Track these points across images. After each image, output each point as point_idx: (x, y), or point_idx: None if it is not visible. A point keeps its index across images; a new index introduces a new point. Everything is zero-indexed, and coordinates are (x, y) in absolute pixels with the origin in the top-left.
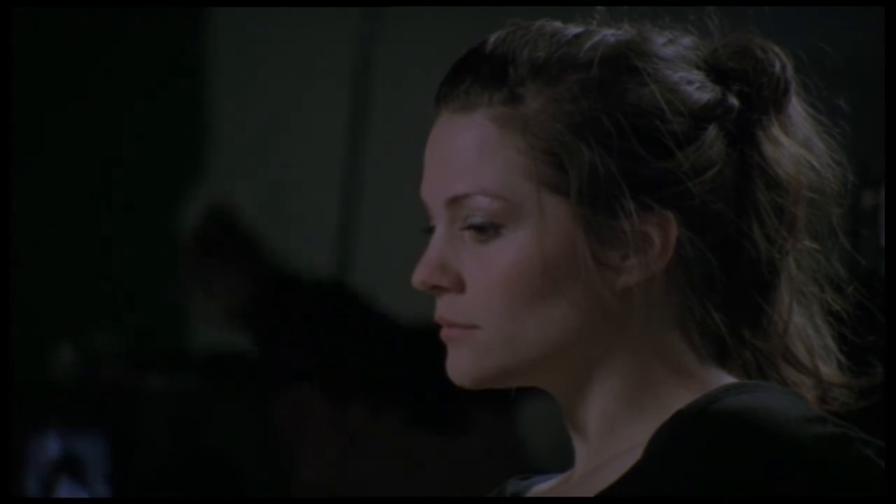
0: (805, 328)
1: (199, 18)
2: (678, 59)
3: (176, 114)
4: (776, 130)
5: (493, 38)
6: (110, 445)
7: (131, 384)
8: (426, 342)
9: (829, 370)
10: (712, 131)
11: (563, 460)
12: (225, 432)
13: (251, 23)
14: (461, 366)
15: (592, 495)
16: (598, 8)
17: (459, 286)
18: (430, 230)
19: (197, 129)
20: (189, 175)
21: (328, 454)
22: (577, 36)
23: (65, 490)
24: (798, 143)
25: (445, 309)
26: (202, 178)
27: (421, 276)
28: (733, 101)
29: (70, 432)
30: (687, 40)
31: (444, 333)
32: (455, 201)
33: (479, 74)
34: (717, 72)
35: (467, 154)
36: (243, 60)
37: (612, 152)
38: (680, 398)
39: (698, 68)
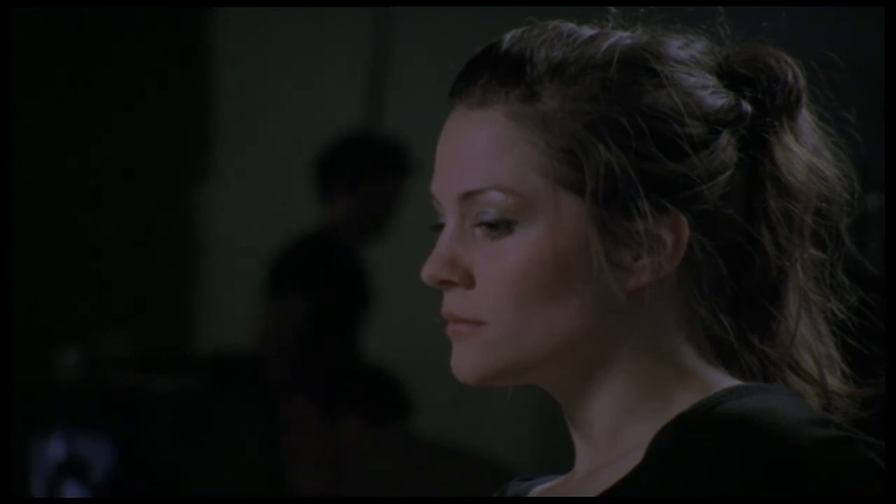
0: (811, 337)
1: (202, 19)
2: (693, 63)
3: (180, 116)
4: (788, 138)
5: (509, 36)
6: (115, 447)
7: (135, 386)
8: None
9: (833, 380)
10: (725, 136)
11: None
12: (228, 434)
13: (257, 23)
14: (466, 362)
15: (593, 496)
16: (612, 11)
17: (468, 282)
18: (438, 227)
19: (202, 132)
20: (194, 178)
21: (321, 460)
22: (593, 37)
23: (70, 491)
24: (809, 152)
25: (453, 304)
26: (207, 181)
27: (430, 270)
28: (747, 106)
29: (75, 434)
30: (701, 45)
31: (451, 329)
32: (468, 196)
33: (496, 71)
34: (730, 77)
35: (482, 149)
36: (250, 61)
37: (628, 153)
38: (683, 400)
39: (712, 73)
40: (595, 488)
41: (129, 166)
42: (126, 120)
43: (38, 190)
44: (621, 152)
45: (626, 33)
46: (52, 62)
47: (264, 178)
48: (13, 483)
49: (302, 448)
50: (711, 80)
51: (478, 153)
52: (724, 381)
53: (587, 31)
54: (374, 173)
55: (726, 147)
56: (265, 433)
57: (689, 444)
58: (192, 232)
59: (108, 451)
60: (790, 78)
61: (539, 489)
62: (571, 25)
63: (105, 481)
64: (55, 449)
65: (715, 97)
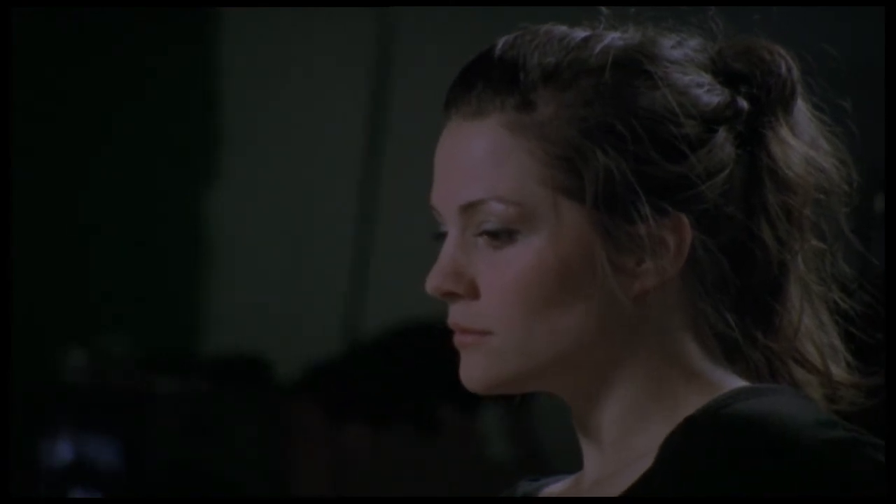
0: (814, 328)
1: (209, 19)
2: (687, 62)
3: (183, 116)
4: (784, 131)
5: (501, 43)
6: (121, 448)
7: (140, 388)
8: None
9: (837, 370)
10: (722, 134)
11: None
12: (233, 435)
13: (264, 23)
14: (475, 372)
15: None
16: (604, 10)
17: (473, 292)
18: (440, 236)
19: (205, 132)
20: (201, 178)
21: (321, 467)
22: (585, 40)
23: (77, 493)
24: (805, 144)
25: (459, 315)
26: (214, 182)
27: (434, 282)
28: (743, 103)
29: (81, 436)
30: (694, 42)
31: (458, 340)
32: (469, 207)
33: (489, 80)
34: (724, 73)
35: (480, 160)
36: (256, 62)
37: (626, 156)
38: (691, 402)
39: (706, 70)
40: (606, 494)
41: (131, 166)
42: (127, 120)
43: (39, 190)
44: (619, 157)
45: (618, 34)
46: (52, 62)
47: (270, 178)
48: (17, 485)
49: (306, 449)
50: (706, 78)
51: (476, 164)
52: (731, 381)
53: (580, 34)
54: None
55: (724, 144)
56: (269, 434)
57: (697, 448)
58: (196, 232)
59: (113, 453)
60: (784, 71)
61: (548, 491)
62: (564, 28)
63: (110, 482)
64: (60, 450)
65: (710, 95)
